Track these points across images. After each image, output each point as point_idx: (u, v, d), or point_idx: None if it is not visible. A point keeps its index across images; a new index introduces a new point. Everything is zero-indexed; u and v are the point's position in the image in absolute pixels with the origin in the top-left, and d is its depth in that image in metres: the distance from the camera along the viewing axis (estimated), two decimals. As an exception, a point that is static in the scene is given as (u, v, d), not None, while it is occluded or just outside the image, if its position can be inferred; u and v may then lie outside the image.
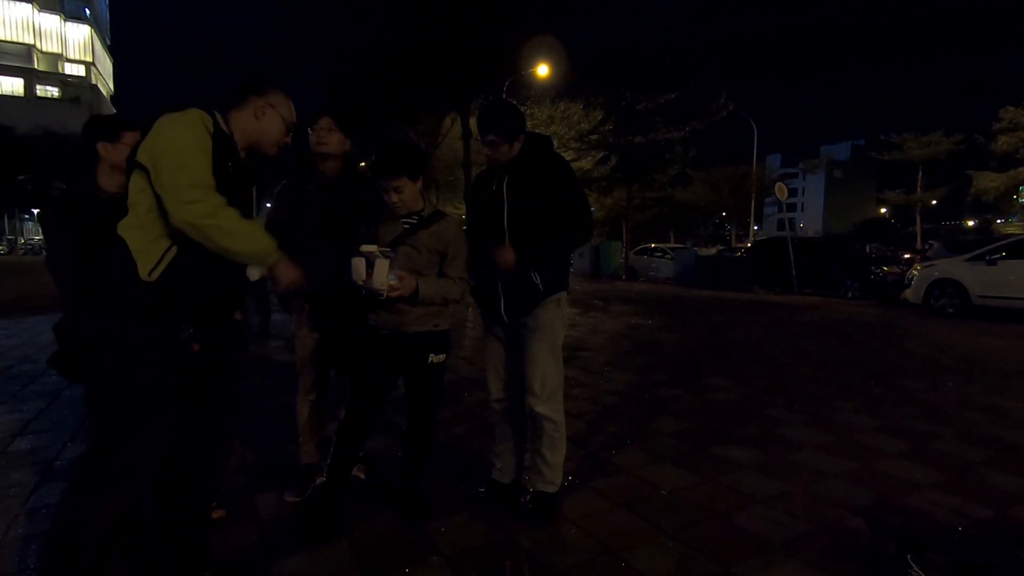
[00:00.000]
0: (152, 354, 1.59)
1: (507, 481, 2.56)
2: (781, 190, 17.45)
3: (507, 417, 2.51)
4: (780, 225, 51.59)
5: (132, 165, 1.58)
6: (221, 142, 1.65)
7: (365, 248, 2.04)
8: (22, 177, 28.16)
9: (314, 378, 2.57)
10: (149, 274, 1.55)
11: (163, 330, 1.60)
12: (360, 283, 2.05)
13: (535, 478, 2.45)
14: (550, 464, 2.40)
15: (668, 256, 20.26)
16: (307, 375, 2.56)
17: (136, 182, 1.57)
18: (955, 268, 9.85)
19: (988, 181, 31.18)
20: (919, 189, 40.13)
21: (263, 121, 1.79)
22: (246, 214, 1.77)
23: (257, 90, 1.80)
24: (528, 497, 2.49)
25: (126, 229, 1.58)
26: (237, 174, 1.70)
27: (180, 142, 1.55)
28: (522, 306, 2.32)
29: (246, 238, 1.61)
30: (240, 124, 1.77)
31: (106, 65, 52.69)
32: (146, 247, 1.56)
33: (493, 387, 2.51)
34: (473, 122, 17.69)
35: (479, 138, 2.32)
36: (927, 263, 10.87)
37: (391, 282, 2.05)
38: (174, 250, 1.58)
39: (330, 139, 2.44)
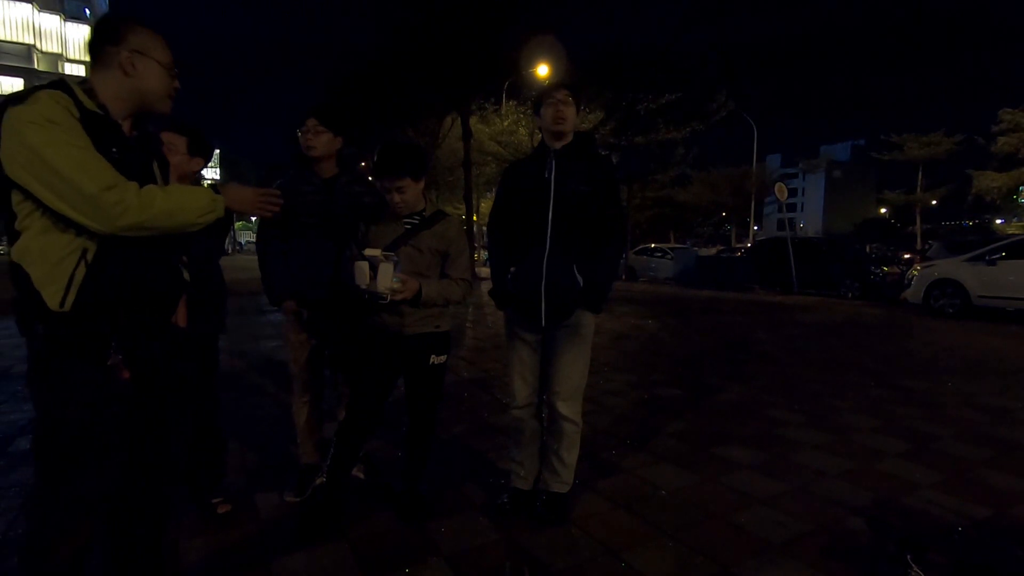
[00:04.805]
0: (76, 394, 1.35)
1: (529, 488, 2.49)
2: (781, 190, 17.48)
3: (531, 423, 2.46)
4: (780, 225, 51.58)
5: (6, 184, 1.27)
6: (94, 126, 1.32)
7: (369, 252, 2.04)
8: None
9: (309, 380, 2.56)
10: (61, 305, 1.29)
11: (84, 363, 1.35)
12: (363, 287, 2.05)
13: (551, 478, 2.41)
14: (566, 464, 2.39)
15: (668, 256, 20.27)
16: (302, 378, 2.55)
17: (20, 205, 1.29)
18: (955, 268, 9.86)
19: (988, 181, 31.11)
20: (919, 189, 40.02)
21: (137, 76, 1.41)
22: None
23: (112, 38, 1.39)
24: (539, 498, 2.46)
25: (22, 255, 1.30)
26: (126, 158, 1.37)
27: (57, 145, 1.24)
28: (564, 309, 2.24)
29: (189, 200, 1.38)
30: (111, 89, 1.40)
31: (106, 65, 52.86)
32: (49, 274, 1.29)
33: (519, 393, 2.41)
34: (475, 120, 17.68)
35: (552, 95, 2.27)
36: (927, 263, 10.87)
37: (395, 284, 2.05)
38: (83, 269, 1.30)
39: (318, 141, 2.38)
